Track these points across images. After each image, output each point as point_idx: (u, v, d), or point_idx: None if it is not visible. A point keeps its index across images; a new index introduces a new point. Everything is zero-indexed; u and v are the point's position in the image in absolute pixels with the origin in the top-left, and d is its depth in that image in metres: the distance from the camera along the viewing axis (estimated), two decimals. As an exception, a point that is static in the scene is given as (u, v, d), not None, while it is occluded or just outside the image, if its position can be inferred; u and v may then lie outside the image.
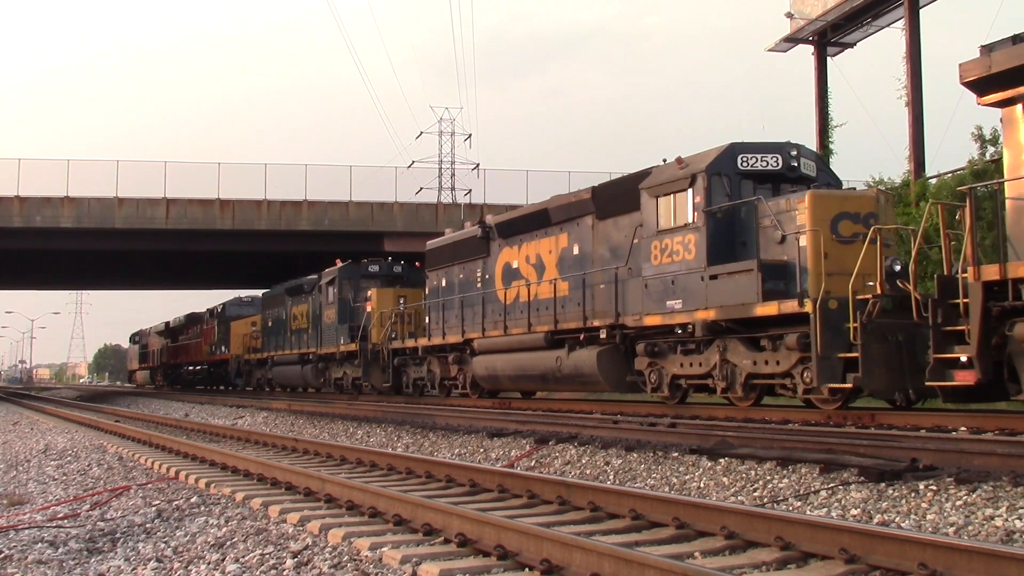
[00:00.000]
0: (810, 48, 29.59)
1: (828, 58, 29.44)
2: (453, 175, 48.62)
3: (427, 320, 22.53)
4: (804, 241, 12.22)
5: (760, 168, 13.81)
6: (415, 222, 36.02)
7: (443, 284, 22.05)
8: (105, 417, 21.85)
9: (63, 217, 34.44)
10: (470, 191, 44.01)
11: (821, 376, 11.48)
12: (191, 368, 49.15)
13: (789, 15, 29.00)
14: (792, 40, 29.60)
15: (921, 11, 25.93)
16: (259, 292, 40.97)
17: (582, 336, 16.12)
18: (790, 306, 11.98)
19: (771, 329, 12.59)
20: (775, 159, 13.82)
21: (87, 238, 35.46)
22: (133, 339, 67.67)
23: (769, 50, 30.71)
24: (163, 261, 42.84)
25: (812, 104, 29.37)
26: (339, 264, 28.02)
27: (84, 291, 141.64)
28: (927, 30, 25.95)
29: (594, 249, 16.58)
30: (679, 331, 13.96)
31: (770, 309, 12.29)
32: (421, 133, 51.68)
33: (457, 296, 21.11)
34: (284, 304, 32.93)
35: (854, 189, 15.11)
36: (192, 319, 48.82)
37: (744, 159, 13.77)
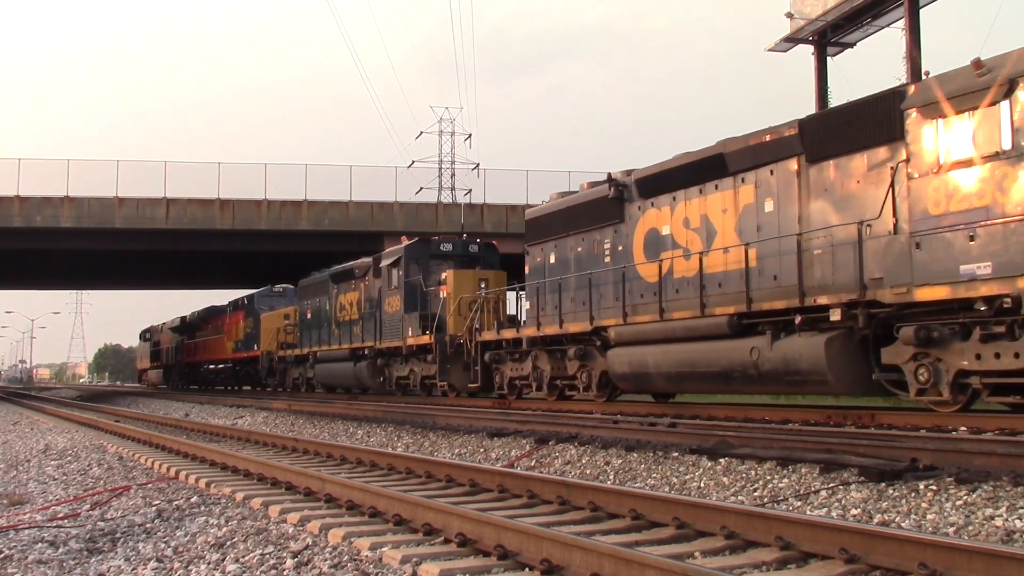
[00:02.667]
0: (810, 48, 29.56)
1: (828, 58, 29.40)
2: (453, 175, 48.73)
3: (527, 306, 18.71)
4: None
5: None
6: (415, 222, 36.05)
7: (552, 260, 18.14)
8: (105, 417, 21.85)
9: (63, 217, 34.48)
10: (470, 191, 44.14)
11: None
12: (211, 367, 44.66)
13: (789, 15, 28.96)
14: (792, 40, 29.55)
15: (921, 11, 25.89)
16: (277, 286, 38.15)
17: (798, 319, 12.05)
18: None
19: None
20: None
21: (87, 238, 35.50)
22: (143, 336, 62.98)
23: (769, 50, 30.66)
24: (163, 261, 42.85)
25: (812, 104, 29.35)
26: (405, 241, 23.98)
27: (84, 291, 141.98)
28: (927, 30, 25.96)
29: (804, 202, 12.64)
30: (982, 307, 10.01)
31: None
32: (421, 133, 51.82)
33: (574, 274, 17.27)
34: (327, 293, 28.96)
35: None
36: (212, 313, 45.01)
37: None
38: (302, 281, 31.93)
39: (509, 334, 18.86)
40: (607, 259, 16.56)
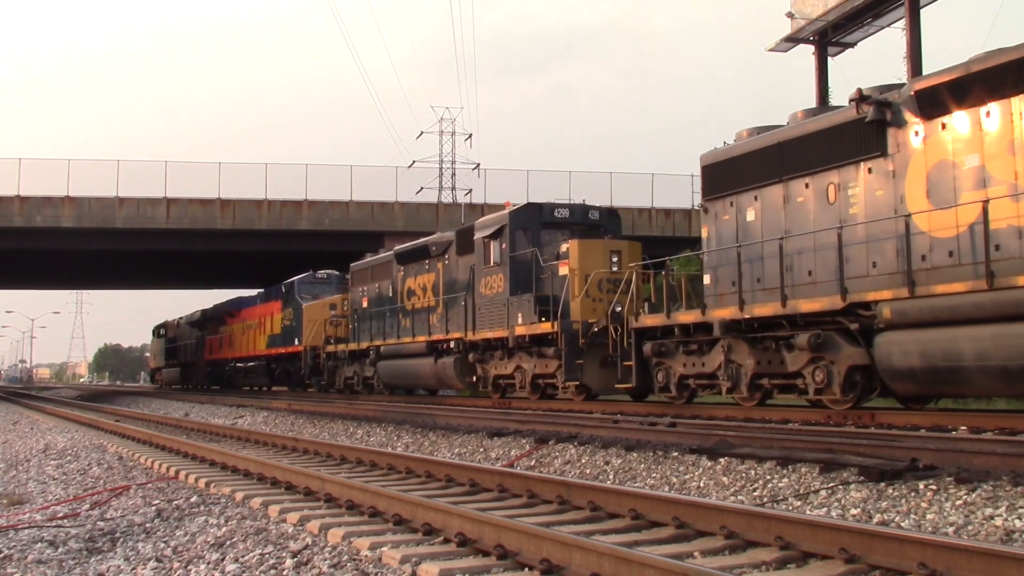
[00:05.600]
0: (811, 48, 29.59)
1: (829, 58, 29.44)
2: (453, 175, 48.77)
3: (708, 280, 14.67)
4: None
5: None
6: (416, 222, 36.09)
7: (750, 217, 13.94)
8: (105, 417, 21.86)
9: (63, 217, 34.52)
10: (470, 191, 44.18)
11: None
12: (240, 365, 39.78)
13: (790, 15, 28.99)
14: (793, 40, 29.59)
15: (921, 11, 25.92)
16: (320, 272, 34.09)
17: None
18: None
19: None
20: None
21: (87, 238, 35.55)
22: (157, 332, 58.38)
23: (770, 50, 30.69)
24: (163, 261, 42.90)
25: (813, 104, 29.36)
26: (509, 206, 19.55)
27: (84, 291, 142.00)
28: (927, 30, 25.99)
29: None
30: None
31: None
32: (422, 133, 51.85)
33: (796, 234, 12.98)
34: (390, 276, 24.77)
35: None
36: (239, 304, 40.83)
37: None
38: (354, 264, 28.11)
39: (688, 317, 14.39)
40: (853, 209, 12.33)
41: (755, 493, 7.17)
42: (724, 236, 14.43)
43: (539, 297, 17.79)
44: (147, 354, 79.97)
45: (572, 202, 19.63)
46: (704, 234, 14.90)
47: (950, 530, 5.55)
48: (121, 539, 6.69)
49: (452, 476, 8.10)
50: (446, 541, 5.48)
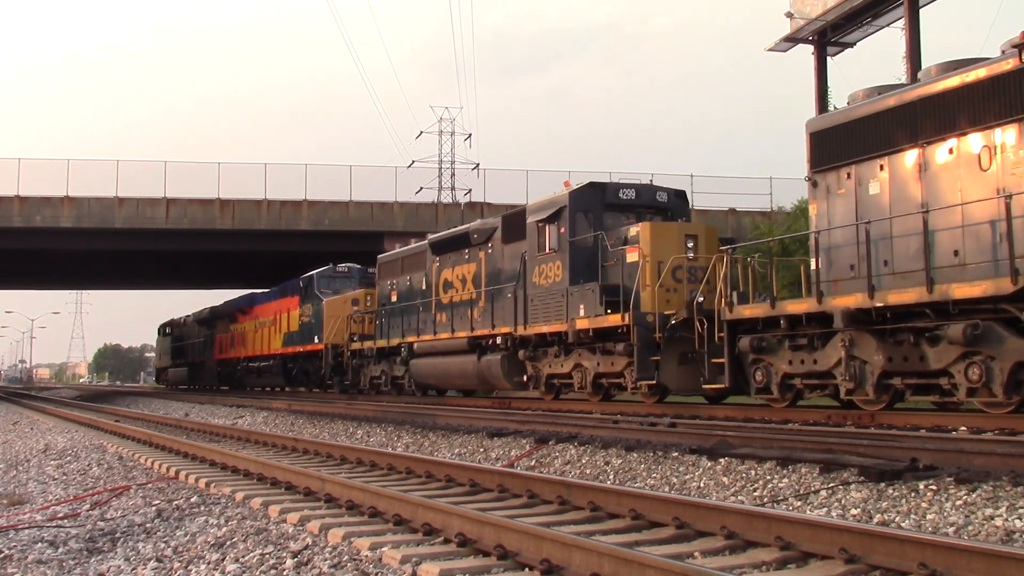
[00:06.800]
0: (810, 48, 29.60)
1: (828, 58, 29.44)
2: (453, 175, 48.78)
3: (817, 264, 12.73)
4: None
5: None
6: (415, 222, 36.10)
7: (873, 190, 12.13)
8: (105, 417, 21.85)
9: (63, 217, 34.56)
10: (470, 191, 44.21)
11: None
12: (253, 364, 37.71)
13: (789, 15, 28.99)
14: (792, 40, 29.59)
15: (921, 11, 25.92)
16: (340, 265, 32.12)
17: None
18: None
19: None
20: None
21: (87, 238, 35.59)
22: (163, 331, 56.38)
23: (769, 50, 30.68)
24: (163, 261, 42.91)
25: (812, 104, 29.37)
26: (568, 186, 17.83)
27: (84, 291, 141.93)
28: (927, 30, 25.99)
29: None
30: None
31: None
32: (421, 133, 51.85)
33: (930, 209, 11.15)
34: (423, 268, 23.09)
35: None
36: (252, 300, 39.22)
37: None
38: (382, 256, 26.48)
39: (799, 307, 12.51)
40: (1014, 176, 10.48)
41: (755, 493, 7.17)
42: (839, 213, 12.51)
43: (605, 287, 15.89)
44: (148, 354, 79.82)
45: (639, 182, 18.05)
46: (812, 211, 13.07)
47: (950, 530, 5.55)
48: (121, 539, 6.70)
49: (452, 476, 8.10)
50: (446, 541, 5.49)
